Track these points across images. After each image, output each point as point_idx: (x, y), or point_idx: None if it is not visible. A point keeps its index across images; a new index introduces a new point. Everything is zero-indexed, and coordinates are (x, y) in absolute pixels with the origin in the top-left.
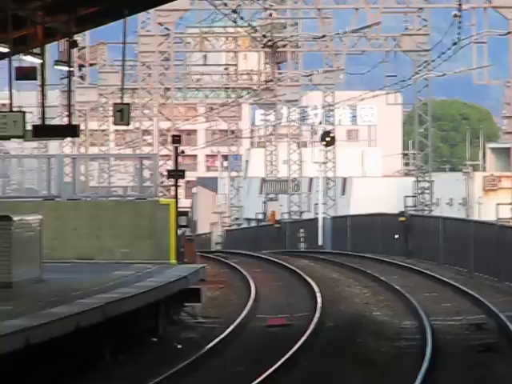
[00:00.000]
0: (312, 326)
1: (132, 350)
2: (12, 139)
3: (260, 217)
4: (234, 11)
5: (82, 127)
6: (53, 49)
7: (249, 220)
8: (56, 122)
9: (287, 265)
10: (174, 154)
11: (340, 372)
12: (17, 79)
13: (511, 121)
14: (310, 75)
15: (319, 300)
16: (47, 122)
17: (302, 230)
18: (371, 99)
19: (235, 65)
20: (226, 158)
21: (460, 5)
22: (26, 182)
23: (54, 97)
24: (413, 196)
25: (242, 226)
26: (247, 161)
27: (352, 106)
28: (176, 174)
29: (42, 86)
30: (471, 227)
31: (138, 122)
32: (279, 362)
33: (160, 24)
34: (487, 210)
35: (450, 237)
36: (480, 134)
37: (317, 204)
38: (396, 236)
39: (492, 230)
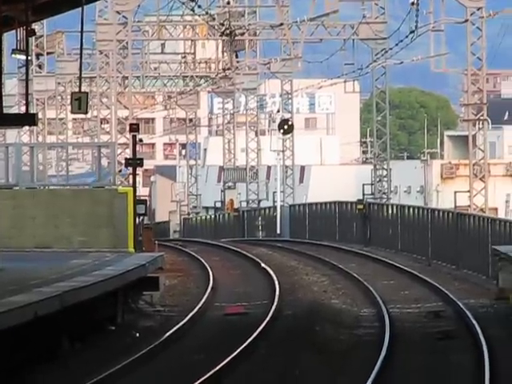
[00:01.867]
0: (270, 315)
1: (90, 338)
2: None
3: (218, 205)
4: None
5: (40, 116)
6: (10, 37)
7: (207, 208)
8: (14, 110)
9: (245, 253)
10: (132, 143)
11: (298, 360)
12: None
13: (469, 108)
14: (268, 63)
15: (277, 288)
16: (5, 111)
17: (260, 219)
18: (329, 87)
19: (193, 53)
20: (184, 146)
21: None
22: None
23: (12, 85)
24: (371, 184)
25: (201, 215)
26: (205, 149)
27: (310, 94)
28: (134, 162)
29: (0, 74)
30: (429, 215)
31: (96, 110)
32: (237, 350)
33: (118, 12)
34: (445, 198)
35: (408, 225)
36: (438, 121)
37: (275, 192)
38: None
39: (450, 217)
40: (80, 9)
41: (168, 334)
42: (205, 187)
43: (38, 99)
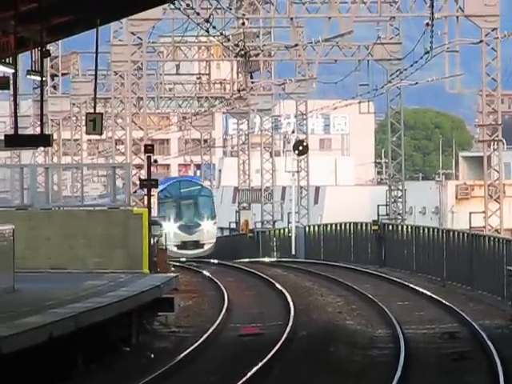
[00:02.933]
0: (285, 335)
1: (105, 359)
2: None
3: (233, 226)
4: (207, 20)
5: (55, 137)
6: (25, 58)
7: (222, 229)
8: (29, 131)
9: (260, 274)
10: (146, 164)
11: (312, 381)
12: None
13: (484, 129)
14: (283, 84)
15: (292, 309)
16: (20, 132)
17: (274, 239)
18: (344, 108)
19: (208, 74)
20: (198, 167)
21: (432, 13)
22: None
23: (27, 106)
24: (386, 205)
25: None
26: (220, 170)
27: (325, 114)
28: (149, 183)
29: (15, 95)
30: (444, 236)
31: (110, 131)
32: (252, 371)
33: (132, 33)
34: (460, 219)
35: (423, 245)
36: (453, 142)
37: (290, 213)
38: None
39: (465, 238)
40: (95, 30)
41: (183, 354)
42: (220, 208)
43: (52, 120)
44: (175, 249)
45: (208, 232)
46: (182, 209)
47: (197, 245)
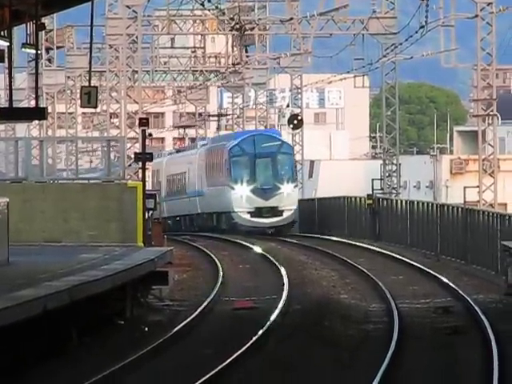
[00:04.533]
0: (279, 309)
1: (99, 332)
2: None
3: None
4: None
5: (50, 110)
6: (20, 31)
7: None
8: (23, 104)
9: (254, 247)
10: (141, 137)
11: (307, 354)
12: None
13: (479, 104)
14: (278, 58)
15: (286, 283)
16: (15, 105)
17: None
18: (339, 82)
19: (203, 48)
20: (193, 140)
21: None
22: None
23: (22, 79)
24: (380, 179)
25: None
26: None
27: (320, 89)
28: (143, 156)
29: (10, 68)
30: (438, 210)
31: (105, 104)
32: (246, 345)
33: (127, 7)
34: (454, 194)
35: (417, 220)
36: (447, 117)
37: None
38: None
39: (459, 213)
40: (90, 3)
41: (177, 328)
42: None
43: (47, 93)
44: (248, 216)
45: (288, 196)
46: (258, 168)
47: (274, 212)
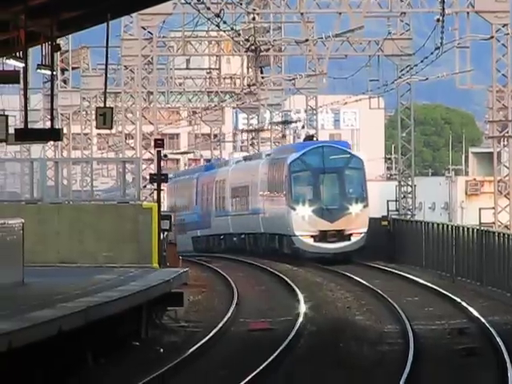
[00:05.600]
0: (294, 330)
1: (114, 353)
2: None
3: None
4: (217, 15)
5: (65, 131)
6: (36, 52)
7: None
8: (39, 125)
9: (270, 269)
10: (156, 158)
11: (322, 376)
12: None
13: (494, 125)
14: (293, 79)
15: (302, 304)
16: (30, 126)
17: None
18: (354, 103)
19: (218, 69)
20: (208, 161)
21: (443, 9)
22: (9, 185)
23: (37, 100)
24: (395, 200)
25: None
26: None
27: (335, 110)
28: (158, 177)
29: (25, 89)
30: (453, 232)
31: (120, 125)
32: (261, 366)
33: (143, 28)
34: (470, 215)
35: (433, 241)
36: (463, 138)
37: None
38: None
39: (474, 234)
40: (105, 24)
41: (192, 349)
42: None
43: (62, 114)
44: (311, 240)
45: (357, 218)
46: (322, 185)
47: (341, 236)
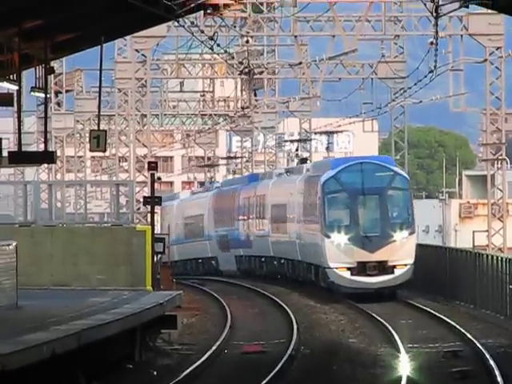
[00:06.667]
0: (288, 353)
1: (107, 376)
2: None
3: None
4: (211, 38)
5: (59, 154)
6: (29, 75)
7: None
8: (32, 148)
9: (263, 291)
10: (150, 181)
11: None
12: None
13: (488, 148)
14: (287, 102)
15: (295, 327)
16: (24, 149)
17: None
18: (348, 126)
19: (212, 91)
20: (202, 184)
21: (436, 32)
22: (2, 207)
23: (31, 123)
24: None
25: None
26: None
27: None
28: (152, 200)
29: (19, 112)
30: (447, 254)
31: (114, 148)
32: None
33: (137, 51)
34: (463, 238)
35: (426, 264)
36: (456, 161)
37: None
38: None
39: (468, 257)
40: (99, 47)
41: (186, 372)
42: None
43: (56, 137)
44: (347, 274)
45: (402, 247)
46: (361, 209)
47: (383, 268)
